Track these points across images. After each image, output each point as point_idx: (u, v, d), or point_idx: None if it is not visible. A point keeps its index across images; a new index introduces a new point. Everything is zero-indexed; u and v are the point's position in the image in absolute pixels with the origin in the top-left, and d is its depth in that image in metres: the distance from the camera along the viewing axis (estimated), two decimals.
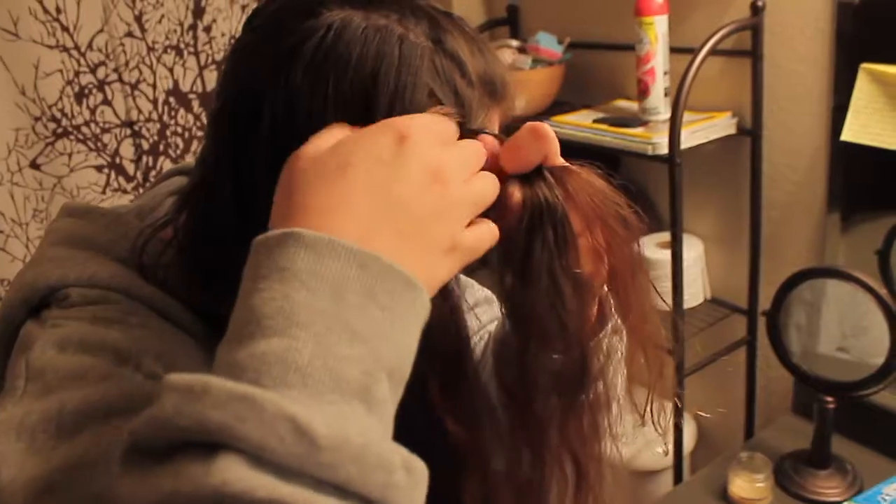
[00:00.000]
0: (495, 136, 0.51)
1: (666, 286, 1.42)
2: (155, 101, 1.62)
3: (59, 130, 1.50)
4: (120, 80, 1.56)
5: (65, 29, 1.47)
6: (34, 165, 1.48)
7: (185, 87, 1.66)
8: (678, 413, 1.50)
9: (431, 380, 0.51)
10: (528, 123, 0.50)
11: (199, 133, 1.70)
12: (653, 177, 1.63)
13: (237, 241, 0.44)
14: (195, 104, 1.69)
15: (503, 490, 0.56)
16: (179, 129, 1.67)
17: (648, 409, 0.59)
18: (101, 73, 1.53)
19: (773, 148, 1.48)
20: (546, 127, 0.49)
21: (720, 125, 1.47)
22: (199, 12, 1.65)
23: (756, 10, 1.40)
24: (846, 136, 1.30)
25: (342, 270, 0.39)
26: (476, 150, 0.48)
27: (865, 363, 1.26)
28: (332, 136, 0.46)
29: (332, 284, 0.39)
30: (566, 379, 0.53)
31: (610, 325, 0.57)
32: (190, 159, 1.70)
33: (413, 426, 0.42)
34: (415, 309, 0.42)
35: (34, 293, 0.56)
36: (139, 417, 0.36)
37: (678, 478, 1.60)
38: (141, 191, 1.53)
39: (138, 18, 1.56)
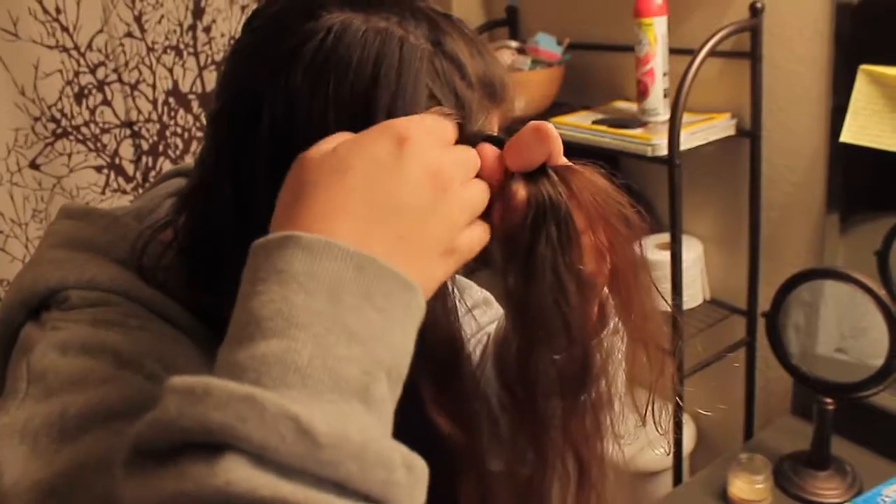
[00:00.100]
0: (497, 136, 0.51)
1: (665, 287, 1.42)
2: (154, 102, 1.62)
3: (59, 131, 1.50)
4: (119, 80, 1.56)
5: (64, 29, 1.47)
6: (34, 166, 1.48)
7: (184, 87, 1.66)
8: (678, 413, 1.51)
9: (426, 380, 0.51)
10: (532, 122, 0.50)
11: (199, 134, 1.70)
12: (652, 178, 1.63)
13: (237, 242, 0.44)
14: (195, 105, 1.69)
15: (501, 491, 0.56)
16: (179, 130, 1.67)
17: (649, 408, 0.59)
18: (100, 73, 1.53)
19: (773, 149, 1.48)
20: (549, 126, 0.50)
21: (719, 126, 1.47)
22: (198, 13, 1.65)
23: (755, 12, 1.41)
24: (845, 137, 1.30)
25: (339, 272, 0.40)
26: (473, 156, 0.49)
27: (864, 364, 1.26)
28: (336, 141, 0.46)
29: (329, 286, 0.40)
30: (568, 378, 0.53)
31: (611, 325, 0.57)
32: (189, 160, 1.70)
33: (410, 427, 0.42)
34: (410, 310, 0.42)
35: (33, 295, 0.56)
36: (142, 420, 0.37)
37: (678, 479, 1.60)
38: (140, 191, 1.53)
39: (138, 19, 1.56)
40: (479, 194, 0.48)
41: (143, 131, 1.62)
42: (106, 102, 1.55)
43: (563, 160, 0.52)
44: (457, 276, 0.55)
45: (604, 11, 1.69)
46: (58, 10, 1.45)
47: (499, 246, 0.51)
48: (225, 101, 0.55)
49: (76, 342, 0.51)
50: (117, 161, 1.59)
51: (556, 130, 0.50)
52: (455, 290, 0.56)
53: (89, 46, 1.50)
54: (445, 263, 0.46)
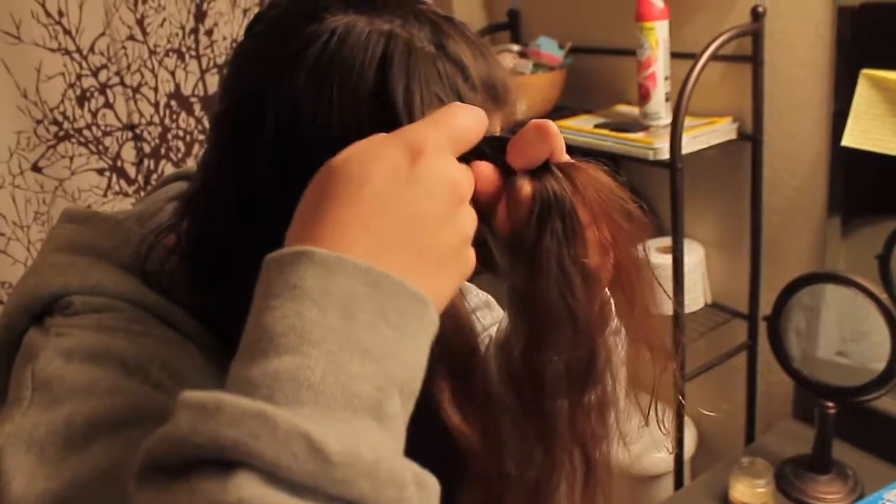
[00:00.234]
0: (500, 136, 0.52)
1: (667, 290, 1.42)
2: (156, 105, 1.62)
3: (61, 133, 1.50)
4: (122, 83, 1.56)
5: (67, 32, 1.47)
6: (36, 168, 1.48)
7: (186, 90, 1.67)
8: (680, 411, 1.51)
9: (442, 382, 0.51)
10: (534, 121, 0.50)
11: (201, 137, 1.70)
12: (653, 182, 1.63)
13: (241, 245, 0.44)
14: (197, 107, 1.69)
15: (514, 492, 0.56)
16: (181, 133, 1.68)
17: (652, 407, 0.59)
18: (102, 76, 1.53)
19: (774, 153, 1.48)
20: (551, 124, 0.50)
21: (721, 130, 1.47)
22: (200, 16, 1.65)
23: (757, 16, 1.41)
24: (847, 141, 1.30)
25: (352, 288, 0.40)
26: (470, 174, 0.48)
27: (866, 368, 1.26)
28: (366, 147, 0.45)
29: (342, 302, 0.39)
30: (575, 374, 0.53)
31: (613, 325, 0.57)
32: (191, 163, 1.71)
33: (425, 432, 0.42)
34: (424, 326, 0.42)
35: (36, 301, 0.56)
36: (154, 435, 0.36)
37: (679, 483, 1.60)
38: (142, 194, 1.53)
39: (140, 22, 1.56)
40: (475, 215, 0.48)
41: (145, 134, 1.62)
42: (108, 105, 1.55)
43: (566, 157, 0.52)
44: None
45: (605, 15, 1.69)
46: (60, 13, 1.45)
47: (504, 245, 0.52)
48: (228, 104, 0.55)
49: (81, 349, 0.51)
50: (119, 164, 1.59)
51: (557, 128, 0.51)
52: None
53: (91, 49, 1.51)
54: (456, 276, 0.46)
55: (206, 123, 1.70)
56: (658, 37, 1.45)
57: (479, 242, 0.48)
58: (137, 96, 1.59)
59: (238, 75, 0.55)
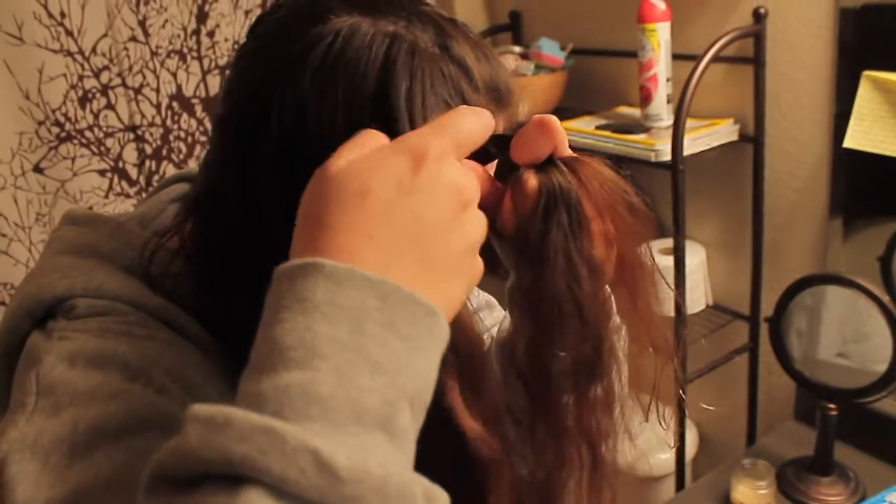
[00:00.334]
0: (504, 135, 0.52)
1: (668, 292, 1.42)
2: (158, 106, 1.63)
3: (63, 135, 1.50)
4: (123, 84, 1.56)
5: (69, 33, 1.47)
6: (37, 169, 1.48)
7: (188, 91, 1.67)
8: (682, 406, 1.50)
9: (454, 391, 0.51)
10: (536, 116, 0.50)
11: (202, 138, 1.70)
12: (655, 183, 1.63)
13: (246, 247, 0.44)
14: (198, 109, 1.69)
15: (529, 494, 0.56)
16: (182, 134, 1.68)
17: (653, 403, 0.59)
18: (104, 77, 1.53)
19: (776, 155, 1.48)
20: (553, 119, 0.50)
21: (722, 132, 1.47)
22: (202, 17, 1.65)
23: (758, 18, 1.41)
24: (848, 143, 1.30)
25: (362, 301, 0.40)
26: (477, 173, 0.49)
27: (867, 370, 1.26)
28: (359, 147, 0.45)
29: (352, 315, 0.39)
30: (582, 367, 0.53)
31: (615, 320, 0.57)
32: (193, 164, 1.71)
33: (440, 441, 0.42)
34: (434, 336, 0.42)
35: (39, 304, 0.55)
36: (163, 447, 0.36)
37: (680, 484, 1.60)
38: (143, 195, 1.54)
39: (142, 23, 1.56)
40: (484, 219, 0.47)
41: (147, 135, 1.62)
42: (110, 106, 1.55)
43: (569, 152, 0.52)
44: None
45: (607, 17, 1.69)
46: (62, 15, 1.46)
47: (508, 243, 0.52)
48: (231, 106, 0.54)
49: (85, 354, 0.51)
50: (121, 165, 1.59)
51: (559, 123, 0.51)
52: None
53: (93, 50, 1.51)
54: (465, 282, 0.45)
55: (208, 125, 1.70)
56: (660, 38, 1.45)
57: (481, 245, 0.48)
58: (139, 97, 1.59)
59: (241, 77, 0.55)
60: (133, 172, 1.61)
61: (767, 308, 1.44)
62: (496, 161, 0.53)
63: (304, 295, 0.39)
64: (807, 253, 1.49)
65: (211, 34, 1.67)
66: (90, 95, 1.52)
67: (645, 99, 1.49)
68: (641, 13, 1.45)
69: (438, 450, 0.43)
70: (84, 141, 1.53)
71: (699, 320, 1.59)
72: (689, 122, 1.37)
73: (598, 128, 1.55)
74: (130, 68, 1.56)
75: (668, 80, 1.48)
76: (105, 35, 1.52)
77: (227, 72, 0.55)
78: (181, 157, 1.68)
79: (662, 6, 1.44)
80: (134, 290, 0.56)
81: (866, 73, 1.28)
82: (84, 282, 0.56)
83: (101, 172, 1.56)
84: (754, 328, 1.59)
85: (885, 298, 1.20)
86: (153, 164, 1.64)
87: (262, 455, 0.34)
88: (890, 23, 1.28)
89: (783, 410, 1.59)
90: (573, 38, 1.74)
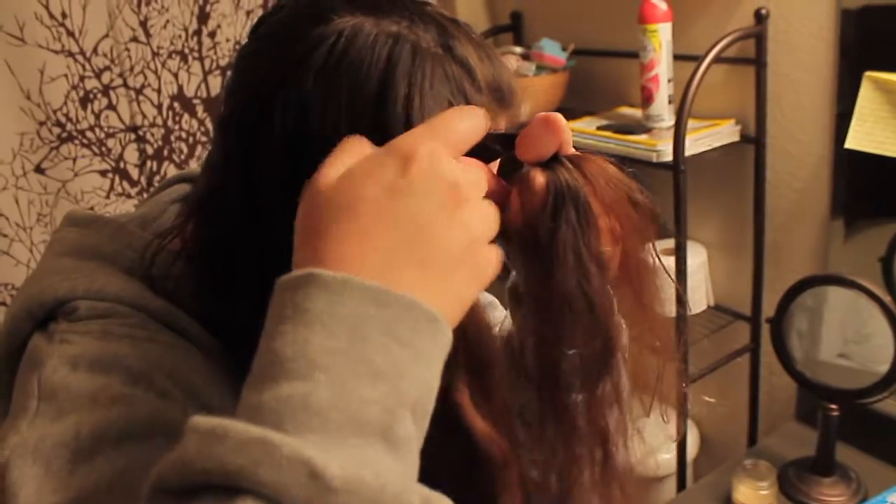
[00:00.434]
0: (508, 133, 0.52)
1: (670, 293, 1.42)
2: (159, 107, 1.63)
3: (64, 135, 1.50)
4: (125, 84, 1.56)
5: (70, 34, 1.47)
6: (39, 170, 1.48)
7: (189, 92, 1.67)
8: (684, 401, 1.50)
9: (462, 392, 0.51)
10: (541, 114, 0.50)
11: (204, 138, 1.70)
12: (656, 184, 1.62)
13: (248, 247, 0.44)
14: (199, 109, 1.69)
15: (538, 495, 0.56)
16: (184, 135, 1.68)
17: (655, 401, 0.59)
18: (105, 77, 1.53)
19: (777, 155, 1.48)
20: (558, 116, 0.50)
21: (724, 132, 1.47)
22: (203, 18, 1.65)
23: (760, 19, 1.41)
24: (850, 143, 1.30)
25: (362, 309, 0.40)
26: (481, 169, 0.48)
27: (869, 370, 1.26)
28: (346, 156, 0.45)
29: (351, 325, 0.39)
30: (590, 364, 0.53)
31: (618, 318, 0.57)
32: (194, 164, 1.71)
33: (450, 443, 0.42)
34: (436, 342, 0.42)
35: (41, 306, 0.55)
36: (164, 458, 0.37)
37: (681, 485, 1.60)
38: (145, 196, 1.54)
39: (143, 24, 1.56)
40: (494, 212, 0.47)
41: (148, 136, 1.62)
42: (111, 107, 1.55)
43: (573, 150, 0.52)
44: None
45: (608, 17, 1.69)
46: (64, 15, 1.46)
47: (515, 242, 0.51)
48: (233, 107, 0.54)
49: (86, 358, 0.51)
50: (122, 165, 1.59)
51: (564, 121, 0.51)
52: None
53: (95, 51, 1.51)
54: (469, 279, 0.45)
55: (209, 125, 1.70)
56: (661, 39, 1.45)
57: None
58: (140, 98, 1.59)
59: (243, 78, 0.55)
60: (134, 173, 1.61)
61: (769, 309, 1.44)
62: (499, 160, 0.53)
63: (303, 306, 0.40)
64: (808, 253, 1.49)
65: (212, 34, 1.67)
66: (91, 96, 1.52)
67: (646, 99, 1.49)
68: (643, 14, 1.45)
69: (448, 452, 0.43)
70: (85, 141, 1.53)
71: (700, 321, 1.59)
72: (691, 123, 1.37)
73: (599, 128, 1.55)
74: (132, 69, 1.56)
75: (669, 80, 1.48)
76: (106, 35, 1.52)
77: (229, 72, 0.54)
78: (182, 157, 1.68)
79: (664, 7, 1.44)
80: (135, 292, 0.56)
81: (868, 73, 1.28)
82: (85, 284, 0.56)
83: (103, 173, 1.56)
84: (755, 329, 1.59)
85: (887, 299, 1.20)
86: (154, 164, 1.64)
87: (257, 466, 0.35)
88: (891, 23, 1.28)
89: (784, 411, 1.59)
90: (574, 39, 1.74)
